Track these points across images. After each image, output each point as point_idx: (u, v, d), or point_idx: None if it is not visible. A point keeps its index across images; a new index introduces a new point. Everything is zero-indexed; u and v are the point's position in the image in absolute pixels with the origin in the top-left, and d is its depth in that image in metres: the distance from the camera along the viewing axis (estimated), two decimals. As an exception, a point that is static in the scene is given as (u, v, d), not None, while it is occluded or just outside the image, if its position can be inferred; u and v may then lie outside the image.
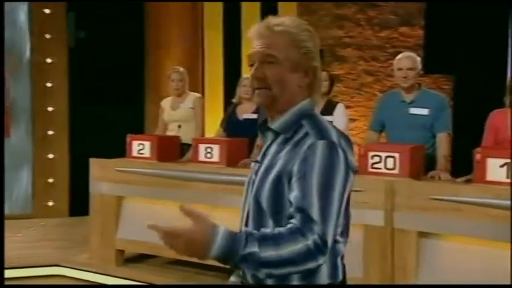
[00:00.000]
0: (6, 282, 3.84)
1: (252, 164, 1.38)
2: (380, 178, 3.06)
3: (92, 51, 5.68)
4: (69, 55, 5.81)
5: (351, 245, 2.95)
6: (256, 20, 5.51)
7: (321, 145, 1.18)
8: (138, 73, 5.92)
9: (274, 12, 5.86)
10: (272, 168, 1.23)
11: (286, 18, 1.29)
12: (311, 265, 1.12)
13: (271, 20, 1.28)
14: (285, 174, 1.20)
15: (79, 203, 5.36)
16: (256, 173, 1.29)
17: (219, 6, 5.99)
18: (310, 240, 1.11)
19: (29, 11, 5.72)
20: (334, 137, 1.22)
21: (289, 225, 1.14)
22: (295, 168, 1.18)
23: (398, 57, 3.47)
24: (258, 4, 5.92)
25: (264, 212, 1.23)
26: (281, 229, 1.14)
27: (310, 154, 1.18)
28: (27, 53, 5.76)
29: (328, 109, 3.81)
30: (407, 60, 3.40)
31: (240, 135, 3.94)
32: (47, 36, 5.74)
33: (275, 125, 1.28)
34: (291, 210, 1.17)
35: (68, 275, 3.99)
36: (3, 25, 5.30)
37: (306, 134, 1.22)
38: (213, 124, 5.74)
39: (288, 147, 1.23)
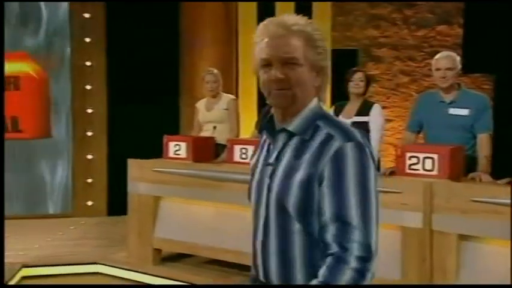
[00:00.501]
0: (49, 279, 3.98)
1: (260, 165, 1.33)
2: (418, 179, 3.01)
3: (128, 53, 5.79)
4: (108, 58, 5.95)
5: (388, 246, 2.92)
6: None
7: (350, 148, 1.18)
8: (173, 74, 6.01)
9: (309, 12, 5.87)
10: (295, 171, 1.22)
11: (298, 17, 1.27)
12: (368, 276, 1.17)
13: (286, 19, 1.25)
14: (314, 178, 1.19)
15: (117, 202, 5.49)
16: (271, 176, 1.26)
17: (253, 6, 6.02)
18: (353, 261, 1.14)
19: (69, 15, 5.90)
20: (359, 136, 1.21)
21: (329, 257, 1.16)
22: (326, 172, 1.18)
23: (437, 56, 3.41)
24: (292, 4, 5.91)
25: (289, 215, 1.22)
26: (325, 272, 1.15)
27: (340, 158, 1.17)
28: (68, 56, 5.93)
29: (364, 110, 3.78)
30: (446, 60, 3.33)
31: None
32: (87, 39, 5.91)
33: (291, 126, 1.26)
34: (326, 218, 1.17)
35: (106, 272, 4.08)
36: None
37: (330, 136, 1.21)
38: (247, 125, 5.77)
39: (310, 150, 1.22)
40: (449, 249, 2.85)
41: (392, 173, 3.20)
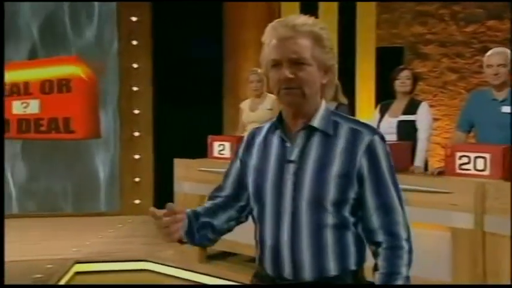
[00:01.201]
0: (100, 275, 4.12)
1: (273, 164, 1.32)
2: (469, 179, 2.92)
3: (174, 55, 5.92)
4: (154, 60, 6.09)
5: (437, 247, 2.84)
6: (333, 20, 5.44)
7: (378, 140, 1.28)
8: (217, 75, 6.08)
9: (352, 11, 5.80)
10: (328, 166, 1.26)
11: (305, 18, 1.29)
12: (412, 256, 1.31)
13: (294, 20, 1.28)
14: (352, 171, 1.26)
15: (163, 201, 5.60)
16: (296, 173, 1.28)
17: (296, 6, 6.00)
18: (404, 244, 1.28)
19: (117, 19, 6.08)
20: (376, 128, 1.34)
21: (384, 246, 1.28)
22: (365, 165, 1.27)
23: (489, 53, 3.29)
24: (335, 4, 5.86)
25: (323, 209, 1.27)
26: (384, 263, 1.28)
27: (374, 150, 1.27)
28: (115, 59, 6.11)
29: (411, 108, 3.69)
30: (498, 56, 3.21)
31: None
32: (134, 42, 6.07)
33: (315, 123, 1.30)
34: (370, 207, 1.28)
35: (154, 269, 4.18)
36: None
37: (356, 131, 1.29)
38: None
39: (339, 145, 1.28)
40: (503, 251, 2.75)
41: (440, 173, 3.12)
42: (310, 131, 1.31)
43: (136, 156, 6.14)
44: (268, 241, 1.33)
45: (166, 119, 6.00)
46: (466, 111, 3.48)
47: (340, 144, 1.28)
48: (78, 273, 4.10)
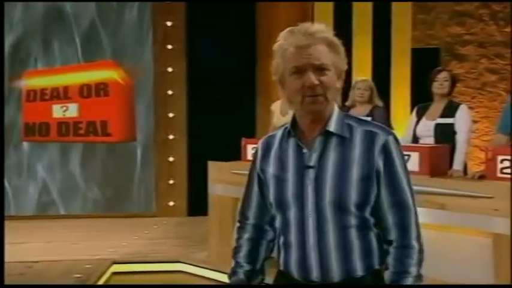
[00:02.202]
0: (136, 275, 4.19)
1: (291, 170, 1.35)
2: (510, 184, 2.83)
3: (207, 59, 5.98)
4: (188, 64, 6.17)
5: (478, 253, 2.77)
6: (368, 21, 5.35)
7: (392, 141, 1.33)
8: (250, 78, 6.11)
9: (388, 12, 5.72)
10: (348, 169, 1.30)
11: (319, 25, 1.32)
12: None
13: (309, 27, 1.31)
14: (371, 172, 1.30)
15: (196, 203, 5.67)
16: (316, 179, 1.31)
17: (329, 6, 5.96)
18: (415, 243, 1.32)
19: (152, 24, 6.19)
20: (389, 128, 1.38)
21: (394, 244, 1.33)
22: (381, 165, 1.30)
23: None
24: (369, 4, 5.79)
25: (346, 211, 1.30)
26: (395, 262, 1.32)
27: (389, 150, 1.31)
28: (151, 63, 6.22)
29: (450, 111, 3.61)
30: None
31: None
32: (169, 47, 6.16)
33: (331, 128, 1.33)
34: (385, 205, 1.32)
35: (188, 271, 4.22)
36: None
37: (371, 132, 1.32)
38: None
39: (356, 147, 1.31)
40: (548, 259, 2.65)
41: (481, 177, 3.03)
42: (327, 135, 1.33)
43: (171, 159, 6.22)
44: (294, 246, 1.35)
45: (200, 121, 6.06)
46: (508, 113, 3.37)
47: (357, 147, 1.31)
48: (115, 273, 4.18)
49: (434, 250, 3.06)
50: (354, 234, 1.32)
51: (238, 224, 1.52)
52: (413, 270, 1.30)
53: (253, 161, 1.47)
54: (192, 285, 4.04)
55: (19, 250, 4.65)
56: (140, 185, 6.24)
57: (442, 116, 3.61)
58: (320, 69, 1.29)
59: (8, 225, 5.64)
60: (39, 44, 6.15)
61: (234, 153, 4.26)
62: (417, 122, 3.73)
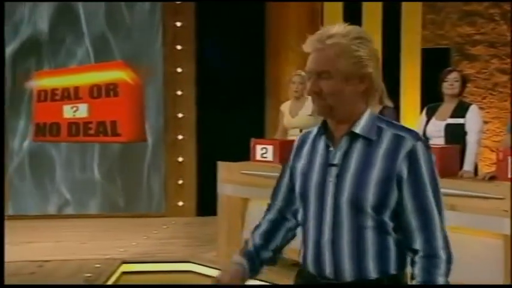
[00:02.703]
0: (145, 275, 4.21)
1: (317, 167, 1.38)
2: (522, 185, 2.80)
3: (216, 59, 5.99)
4: (197, 64, 6.19)
5: (489, 255, 2.75)
6: (377, 20, 5.33)
7: (420, 146, 1.30)
8: (259, 78, 6.11)
9: (398, 11, 5.70)
10: (369, 170, 1.30)
11: (339, 29, 1.32)
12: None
13: (325, 32, 1.33)
14: (392, 175, 1.29)
15: (205, 203, 5.69)
16: (338, 176, 1.33)
17: (339, 6, 5.95)
18: (442, 254, 1.30)
19: (162, 24, 6.21)
20: (422, 136, 1.37)
21: (421, 254, 1.31)
22: (405, 170, 1.29)
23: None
24: (379, 4, 5.77)
25: (363, 212, 1.31)
26: (423, 273, 1.29)
27: (415, 156, 1.29)
28: (160, 63, 6.25)
29: (460, 111, 3.59)
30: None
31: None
32: (178, 47, 6.18)
33: (358, 129, 1.34)
34: (409, 212, 1.30)
35: (196, 271, 4.24)
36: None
37: (399, 136, 1.31)
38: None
39: (381, 149, 1.31)
40: (560, 261, 2.62)
41: (492, 178, 3.01)
42: (353, 136, 1.35)
43: (180, 159, 6.24)
44: (311, 241, 1.38)
45: (209, 122, 6.07)
46: (519, 113, 3.35)
47: (382, 149, 1.32)
48: (125, 273, 4.20)
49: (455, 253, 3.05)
50: (369, 235, 1.32)
51: (266, 207, 1.57)
52: (440, 280, 1.28)
53: (288, 157, 1.53)
54: (200, 285, 4.05)
55: (30, 249, 4.70)
56: (149, 185, 6.27)
57: (452, 117, 3.59)
58: (322, 76, 1.32)
59: (18, 224, 5.72)
60: (49, 44, 6.20)
61: (243, 154, 4.27)
62: (427, 122, 3.72)
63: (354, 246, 1.32)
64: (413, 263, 1.32)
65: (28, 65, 6.20)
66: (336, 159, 1.35)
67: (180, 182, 6.23)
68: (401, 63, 5.84)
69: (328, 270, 1.35)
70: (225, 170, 4.25)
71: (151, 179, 6.26)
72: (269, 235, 1.51)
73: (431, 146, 3.38)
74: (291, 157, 1.50)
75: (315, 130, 1.46)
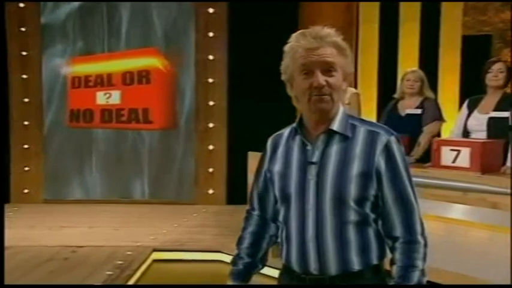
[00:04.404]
0: (175, 263, 4.23)
1: (295, 166, 1.42)
2: None
3: (249, 47, 5.88)
4: (229, 52, 6.11)
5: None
6: (416, 6, 5.09)
7: (394, 141, 1.38)
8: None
9: (437, 17, 5.47)
10: (348, 166, 1.36)
11: (328, 29, 1.39)
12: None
13: (318, 31, 1.38)
14: (371, 170, 1.36)
15: (236, 191, 5.66)
16: (318, 174, 1.37)
17: (376, 5, 5.79)
18: (420, 239, 1.38)
19: (194, 10, 6.16)
20: (391, 130, 1.42)
21: (401, 240, 1.38)
22: (382, 163, 1.36)
23: None
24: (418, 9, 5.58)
25: (346, 206, 1.36)
26: (402, 257, 1.37)
27: (391, 150, 1.37)
28: (192, 50, 6.20)
29: (505, 104, 3.41)
30: None
31: (401, 131, 3.71)
32: (210, 34, 6.12)
33: (335, 127, 1.39)
34: (389, 203, 1.37)
35: (227, 261, 4.22)
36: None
37: (373, 132, 1.38)
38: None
39: (357, 146, 1.38)
40: None
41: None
42: (330, 134, 1.40)
43: (211, 147, 6.22)
44: (294, 239, 1.42)
45: (240, 110, 6.00)
46: None
47: (359, 145, 1.38)
48: (155, 261, 4.23)
49: (486, 251, 2.93)
50: (352, 229, 1.37)
51: (245, 214, 1.60)
52: (419, 264, 1.36)
53: (262, 159, 1.56)
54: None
55: (64, 234, 4.79)
56: (180, 172, 6.29)
57: (496, 110, 3.41)
58: (327, 70, 1.36)
59: (54, 208, 5.85)
60: (82, 31, 6.24)
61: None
62: (468, 116, 3.55)
63: (338, 240, 1.37)
64: (393, 249, 1.40)
65: (58, 50, 6.25)
66: (315, 157, 1.39)
67: (211, 170, 6.22)
68: (440, 52, 5.62)
69: (313, 266, 1.39)
70: (256, 161, 4.18)
71: (182, 166, 6.28)
72: (254, 249, 1.55)
73: (473, 140, 3.26)
74: (265, 161, 1.52)
75: (286, 131, 1.50)
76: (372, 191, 1.37)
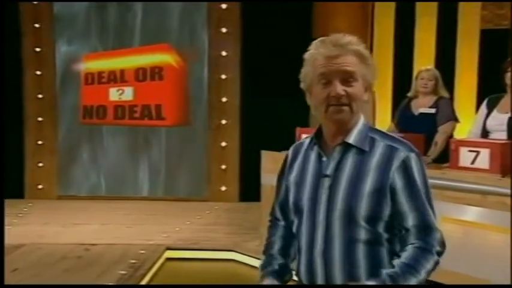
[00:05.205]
0: (188, 262, 4.22)
1: (309, 178, 1.37)
2: None
3: (263, 43, 5.82)
4: (242, 48, 6.05)
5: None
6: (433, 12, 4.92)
7: (413, 158, 1.31)
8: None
9: (454, 11, 5.34)
10: (362, 181, 1.30)
11: (350, 37, 1.33)
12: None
13: (340, 39, 1.32)
14: (385, 187, 1.29)
15: (248, 189, 5.62)
16: (330, 187, 1.33)
17: (391, 6, 5.69)
18: (435, 253, 1.30)
19: (207, 6, 6.10)
20: (415, 147, 1.35)
21: (416, 245, 1.29)
22: (398, 181, 1.29)
23: None
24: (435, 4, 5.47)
25: (356, 223, 1.30)
26: (414, 254, 1.28)
27: (409, 167, 1.30)
28: (205, 46, 6.16)
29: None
30: None
31: (414, 131, 3.66)
32: (223, 30, 6.07)
33: (351, 139, 1.34)
34: (407, 223, 1.30)
35: (240, 260, 4.20)
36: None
37: (392, 147, 1.32)
38: (383, 117, 5.48)
39: (373, 160, 1.31)
40: None
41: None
42: (347, 146, 1.35)
43: (223, 144, 6.19)
44: (304, 252, 1.39)
45: (253, 107, 5.96)
46: None
47: (375, 160, 1.32)
48: (168, 259, 4.22)
49: (505, 255, 2.85)
50: (361, 249, 1.31)
51: (269, 223, 1.56)
52: (423, 273, 1.28)
53: (283, 168, 1.51)
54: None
55: (77, 231, 4.81)
56: (193, 169, 6.27)
57: None
58: (347, 80, 1.31)
59: (66, 205, 5.88)
60: (95, 28, 6.23)
61: (287, 140, 4.11)
62: (487, 115, 3.46)
63: (346, 258, 1.32)
64: (403, 251, 1.31)
65: (72, 47, 6.25)
66: (329, 169, 1.35)
67: (223, 166, 6.20)
68: (457, 47, 5.51)
69: (319, 280, 1.36)
70: (270, 160, 4.15)
71: (195, 163, 6.26)
72: (285, 252, 1.48)
73: (493, 141, 3.18)
74: (286, 168, 1.48)
75: (307, 140, 1.45)
76: (386, 210, 1.30)
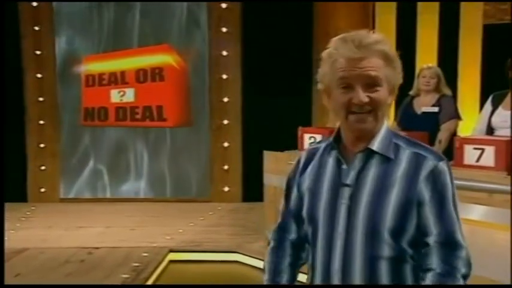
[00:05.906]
0: (192, 264, 4.19)
1: (327, 185, 1.25)
2: None
3: (263, 43, 5.78)
4: (243, 48, 6.02)
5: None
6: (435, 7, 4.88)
7: (442, 168, 1.20)
8: (307, 64, 5.87)
9: (456, 7, 5.29)
10: (386, 192, 1.19)
11: (376, 35, 1.20)
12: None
13: (365, 38, 1.18)
14: (412, 198, 1.18)
15: (251, 189, 5.60)
16: (351, 198, 1.21)
17: (392, 6, 5.64)
18: (460, 278, 1.18)
19: (207, 6, 6.07)
20: (443, 155, 1.24)
21: (438, 271, 1.17)
22: (426, 192, 1.18)
23: None
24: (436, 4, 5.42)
25: (380, 237, 1.19)
26: (437, 283, 1.16)
27: (438, 178, 1.19)
28: (205, 47, 6.13)
29: (530, 100, 3.26)
30: None
31: (416, 129, 3.61)
32: (223, 29, 6.03)
33: (375, 146, 1.22)
34: (432, 237, 1.18)
35: (244, 261, 4.17)
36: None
37: (420, 155, 1.20)
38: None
39: (399, 169, 1.20)
40: None
41: None
42: (369, 154, 1.22)
43: (225, 144, 6.16)
44: (319, 268, 1.26)
45: (255, 107, 5.93)
46: None
47: (401, 169, 1.20)
48: (172, 261, 4.19)
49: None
50: (385, 266, 1.19)
51: (272, 244, 1.39)
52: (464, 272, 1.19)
53: (294, 172, 1.36)
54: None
55: (80, 235, 4.79)
56: (195, 170, 6.25)
57: None
58: (371, 85, 1.18)
59: (69, 207, 5.86)
60: (95, 29, 6.21)
61: (289, 140, 4.13)
62: (492, 112, 3.42)
63: (367, 276, 1.20)
64: (424, 278, 1.20)
65: (72, 49, 6.23)
66: (350, 178, 1.22)
67: (226, 167, 6.17)
68: (459, 42, 5.46)
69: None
70: (272, 160, 4.12)
71: (197, 164, 6.23)
72: (294, 270, 1.36)
73: (498, 138, 3.13)
74: (298, 172, 1.33)
75: (323, 144, 1.32)
76: (412, 223, 1.19)
